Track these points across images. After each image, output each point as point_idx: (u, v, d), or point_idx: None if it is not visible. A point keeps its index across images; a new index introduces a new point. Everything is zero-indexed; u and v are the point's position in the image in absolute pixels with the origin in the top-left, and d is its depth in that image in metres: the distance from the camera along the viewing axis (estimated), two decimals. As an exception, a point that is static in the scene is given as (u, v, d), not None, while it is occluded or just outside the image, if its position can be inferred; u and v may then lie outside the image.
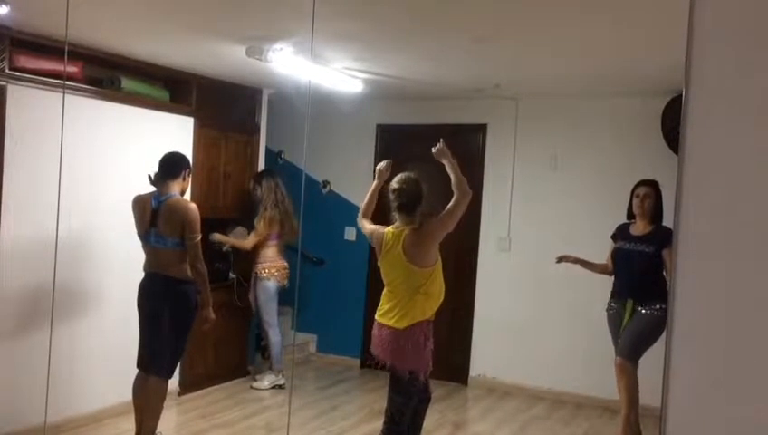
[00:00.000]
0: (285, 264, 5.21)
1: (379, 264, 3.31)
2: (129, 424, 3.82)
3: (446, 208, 3.26)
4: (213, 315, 3.80)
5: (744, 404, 1.56)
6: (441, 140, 3.37)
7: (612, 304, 4.26)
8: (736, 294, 1.59)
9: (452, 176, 3.31)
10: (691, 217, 1.61)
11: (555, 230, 5.20)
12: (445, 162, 3.33)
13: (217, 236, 5.00)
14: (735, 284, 1.59)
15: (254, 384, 5.16)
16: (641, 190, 4.19)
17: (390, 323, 3.19)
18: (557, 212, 5.21)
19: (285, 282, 5.20)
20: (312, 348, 6.10)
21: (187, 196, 4.36)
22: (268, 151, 5.70)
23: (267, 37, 3.65)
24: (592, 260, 4.37)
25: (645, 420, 4.21)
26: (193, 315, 3.78)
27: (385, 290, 3.29)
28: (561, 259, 4.40)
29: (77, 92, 3.95)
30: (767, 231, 1.56)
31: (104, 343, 4.18)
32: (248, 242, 5.08)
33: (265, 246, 5.12)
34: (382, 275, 3.30)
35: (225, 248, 5.08)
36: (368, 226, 3.45)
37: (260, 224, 5.06)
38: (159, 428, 3.79)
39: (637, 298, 4.11)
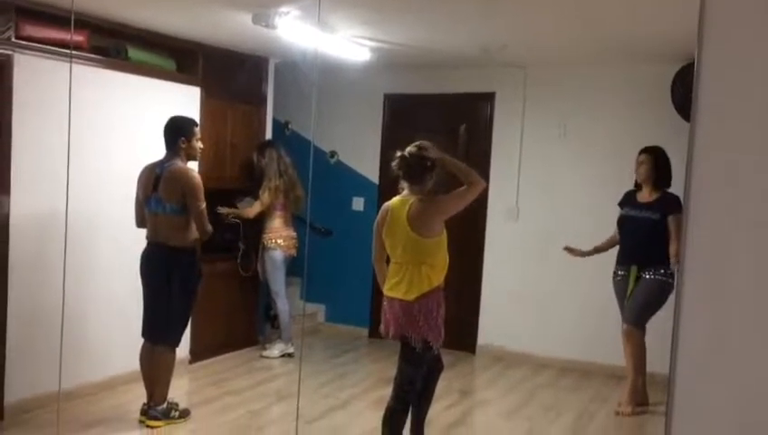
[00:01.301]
0: (293, 234, 5.23)
1: (383, 237, 3.29)
2: (140, 391, 3.88)
3: (458, 191, 3.18)
4: (210, 227, 3.77)
5: (752, 370, 1.57)
6: (423, 143, 3.24)
7: (618, 272, 4.31)
8: (746, 260, 1.59)
9: (456, 171, 3.20)
10: (702, 184, 1.60)
11: (564, 199, 5.20)
12: (439, 161, 3.21)
13: (223, 209, 5.04)
14: (745, 250, 1.59)
15: (264, 353, 5.22)
16: (640, 157, 4.24)
17: (399, 295, 3.18)
18: (566, 181, 5.19)
19: (293, 252, 5.21)
20: (321, 318, 6.15)
21: (195, 165, 4.38)
22: (275, 122, 5.68)
23: (273, 3, 3.62)
24: (596, 238, 4.46)
25: (652, 386, 4.25)
26: (196, 283, 3.81)
27: (391, 263, 3.28)
28: (567, 250, 4.45)
29: (83, 62, 3.93)
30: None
31: (116, 311, 4.23)
32: (251, 211, 5.09)
33: (272, 217, 5.13)
34: (387, 249, 3.28)
35: (230, 219, 5.09)
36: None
37: (264, 194, 5.07)
38: (171, 394, 3.85)
39: (641, 264, 4.16)
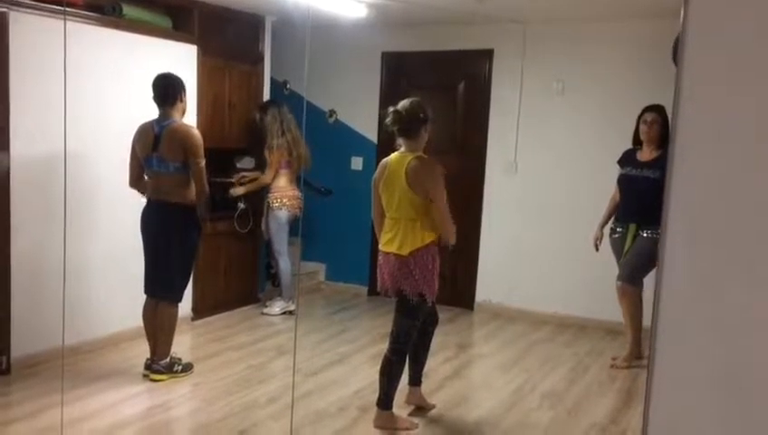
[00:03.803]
0: (298, 193, 5.24)
1: (380, 192, 3.31)
2: (144, 347, 3.95)
3: (438, 194, 3.17)
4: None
5: (732, 321, 1.60)
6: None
7: (616, 229, 4.33)
8: (729, 212, 1.60)
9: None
10: (687, 137, 1.61)
11: (562, 154, 5.21)
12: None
13: (239, 190, 5.09)
14: (728, 202, 1.60)
15: (265, 310, 5.29)
16: (648, 116, 4.18)
17: (394, 250, 3.22)
18: (564, 136, 5.20)
19: (297, 211, 5.21)
20: (321, 276, 6.23)
21: (192, 123, 4.38)
22: (273, 82, 5.65)
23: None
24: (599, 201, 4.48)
25: (648, 341, 4.32)
26: (196, 239, 3.86)
27: (386, 219, 3.31)
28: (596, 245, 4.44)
29: (78, 19, 3.91)
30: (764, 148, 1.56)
31: (120, 268, 4.28)
32: (267, 177, 5.11)
33: (277, 175, 5.15)
34: (383, 204, 3.31)
35: (243, 181, 5.13)
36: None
37: (271, 155, 5.08)
38: (174, 350, 3.92)
39: (640, 222, 4.18)
